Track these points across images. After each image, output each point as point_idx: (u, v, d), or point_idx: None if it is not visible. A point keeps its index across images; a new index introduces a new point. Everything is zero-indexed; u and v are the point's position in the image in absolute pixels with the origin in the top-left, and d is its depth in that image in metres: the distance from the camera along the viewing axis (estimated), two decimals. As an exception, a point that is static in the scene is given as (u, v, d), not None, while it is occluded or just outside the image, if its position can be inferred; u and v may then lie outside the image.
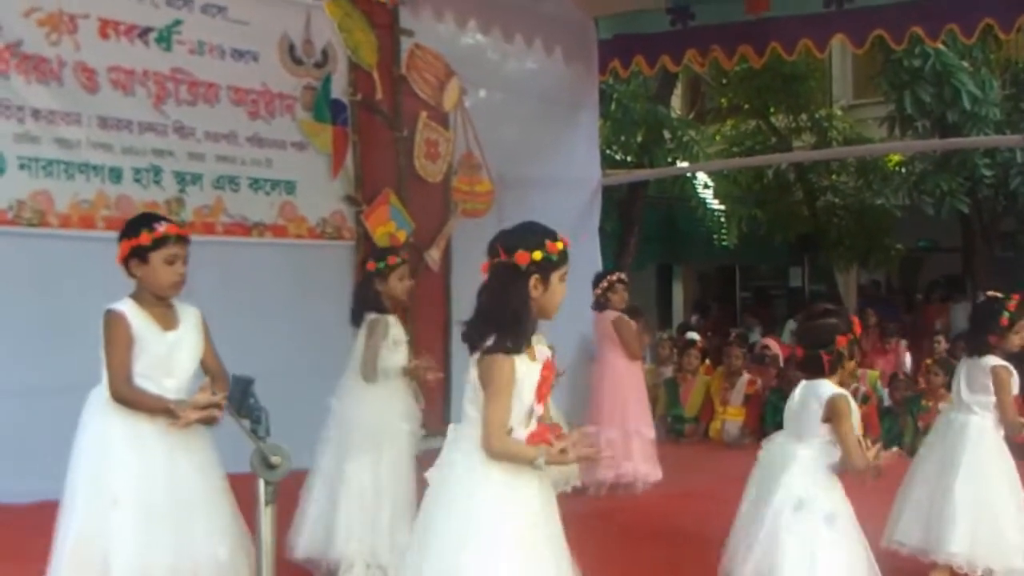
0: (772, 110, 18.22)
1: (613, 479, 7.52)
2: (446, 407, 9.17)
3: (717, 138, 19.59)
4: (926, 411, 9.61)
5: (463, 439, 3.41)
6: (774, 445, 4.72)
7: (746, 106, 18.57)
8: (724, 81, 17.97)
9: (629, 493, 7.55)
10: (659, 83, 15.38)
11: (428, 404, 7.14)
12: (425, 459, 5.45)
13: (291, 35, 8.31)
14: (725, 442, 10.02)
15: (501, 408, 3.29)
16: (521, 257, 3.48)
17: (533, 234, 3.55)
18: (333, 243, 8.46)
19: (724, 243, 19.00)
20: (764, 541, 4.32)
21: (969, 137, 14.42)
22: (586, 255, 11.22)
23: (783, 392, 9.63)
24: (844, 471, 4.31)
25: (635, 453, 7.65)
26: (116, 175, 7.25)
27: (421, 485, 3.72)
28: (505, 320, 3.37)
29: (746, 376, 10.32)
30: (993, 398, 5.40)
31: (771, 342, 11.90)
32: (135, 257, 4.14)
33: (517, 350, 3.34)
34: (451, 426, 3.51)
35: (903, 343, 13.73)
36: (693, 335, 12.80)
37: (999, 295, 5.60)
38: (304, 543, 5.31)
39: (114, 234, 6.99)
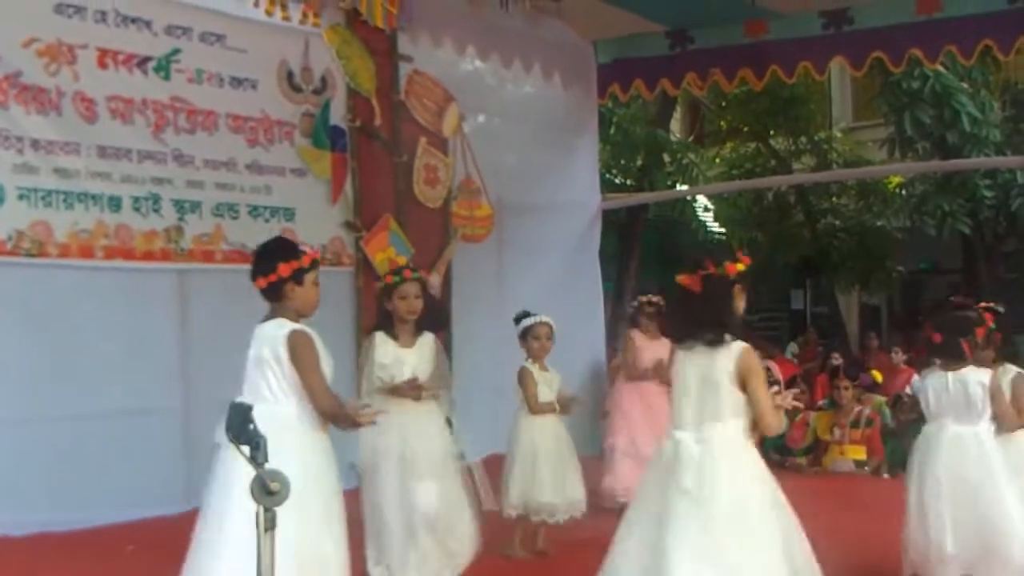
0: (772, 133, 18.25)
1: None
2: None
3: (717, 161, 19.62)
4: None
5: (726, 439, 4.16)
6: (943, 432, 5.30)
7: (745, 129, 18.60)
8: (723, 104, 18.01)
9: None
10: (658, 107, 15.41)
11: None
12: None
13: (289, 62, 8.32)
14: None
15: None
16: (731, 269, 4.34)
17: (732, 252, 4.43)
18: (333, 269, 8.42)
19: (725, 266, 18.95)
20: (991, 514, 5.04)
21: (969, 158, 14.43)
22: (586, 279, 11.22)
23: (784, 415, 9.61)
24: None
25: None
26: (115, 204, 7.24)
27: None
28: (733, 321, 4.27)
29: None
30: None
31: (771, 364, 11.86)
32: (292, 280, 4.42)
33: None
34: (691, 430, 4.19)
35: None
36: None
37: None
38: None
39: (113, 263, 7.16)
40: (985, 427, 5.22)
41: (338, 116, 8.59)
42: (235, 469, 3.76)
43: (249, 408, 3.24)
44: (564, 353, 7.26)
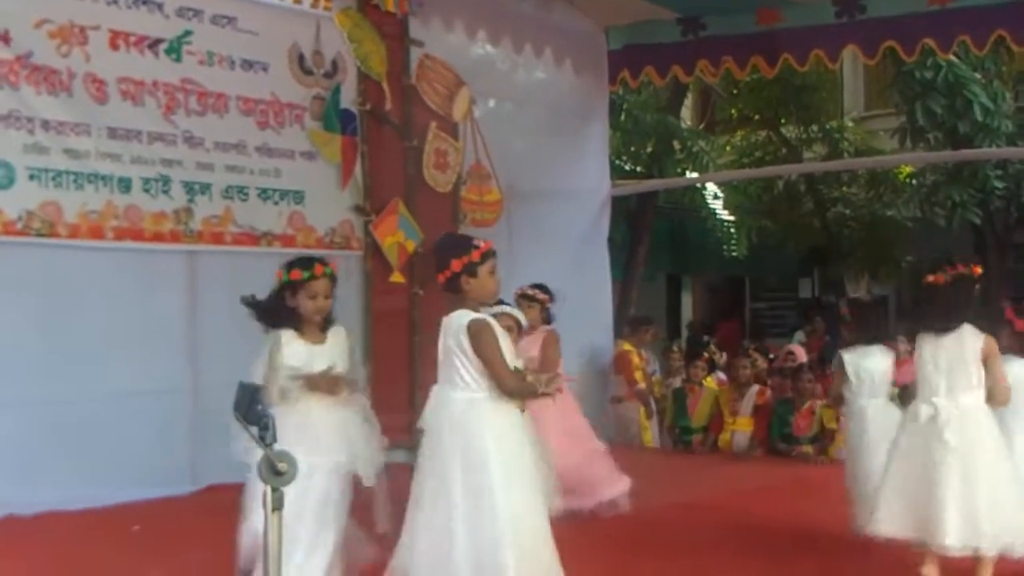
0: (783, 121, 18.19)
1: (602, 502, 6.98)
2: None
3: (727, 149, 19.56)
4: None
5: (976, 406, 5.29)
6: None
7: (756, 117, 18.54)
8: (735, 92, 17.95)
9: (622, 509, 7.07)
10: (669, 94, 15.38)
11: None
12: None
13: (301, 45, 8.32)
14: (734, 453, 9.98)
15: None
16: (976, 270, 5.47)
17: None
18: (342, 253, 8.44)
19: (734, 254, 18.96)
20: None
21: (981, 149, 14.38)
22: (596, 265, 11.23)
23: (791, 403, 9.62)
24: None
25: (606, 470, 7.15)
26: (125, 185, 7.26)
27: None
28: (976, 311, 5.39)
29: (756, 386, 10.29)
30: None
31: (796, 349, 11.85)
32: (466, 273, 4.66)
33: None
34: (945, 398, 5.33)
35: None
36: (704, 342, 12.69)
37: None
38: None
39: (123, 244, 7.16)
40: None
41: (349, 100, 8.60)
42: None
43: (258, 388, 3.26)
44: (571, 340, 7.26)
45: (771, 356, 11.94)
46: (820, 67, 12.53)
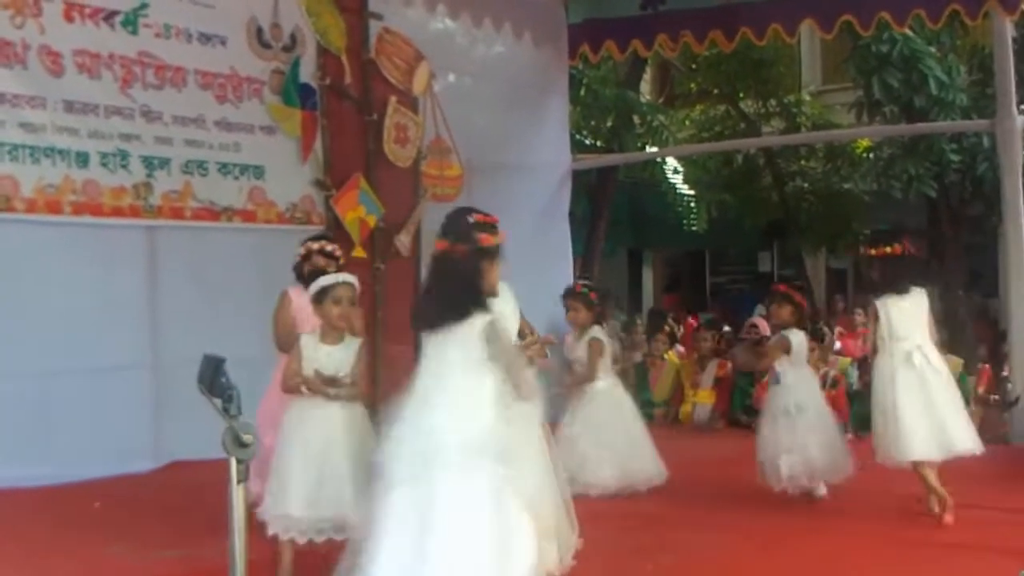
0: (741, 95, 18.26)
1: None
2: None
3: (686, 123, 19.63)
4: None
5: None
6: None
7: (715, 91, 18.59)
8: (693, 66, 17.98)
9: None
10: (628, 68, 15.38)
11: (398, 387, 7.10)
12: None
13: (259, 19, 8.26)
14: (695, 425, 10.06)
15: None
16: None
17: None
18: (302, 228, 8.39)
19: (694, 228, 19.06)
20: None
21: (936, 122, 14.51)
22: (556, 240, 11.24)
23: (752, 376, 9.70)
24: None
25: None
26: (83, 159, 7.20)
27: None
28: None
29: (716, 360, 10.37)
30: None
31: (759, 322, 11.91)
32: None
33: None
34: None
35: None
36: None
37: None
38: None
39: (81, 219, 7.10)
40: None
41: (308, 74, 8.55)
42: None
43: (222, 360, 3.26)
44: (532, 315, 7.25)
45: (725, 330, 11.98)
46: (778, 41, 12.58)
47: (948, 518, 5.96)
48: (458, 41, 10.20)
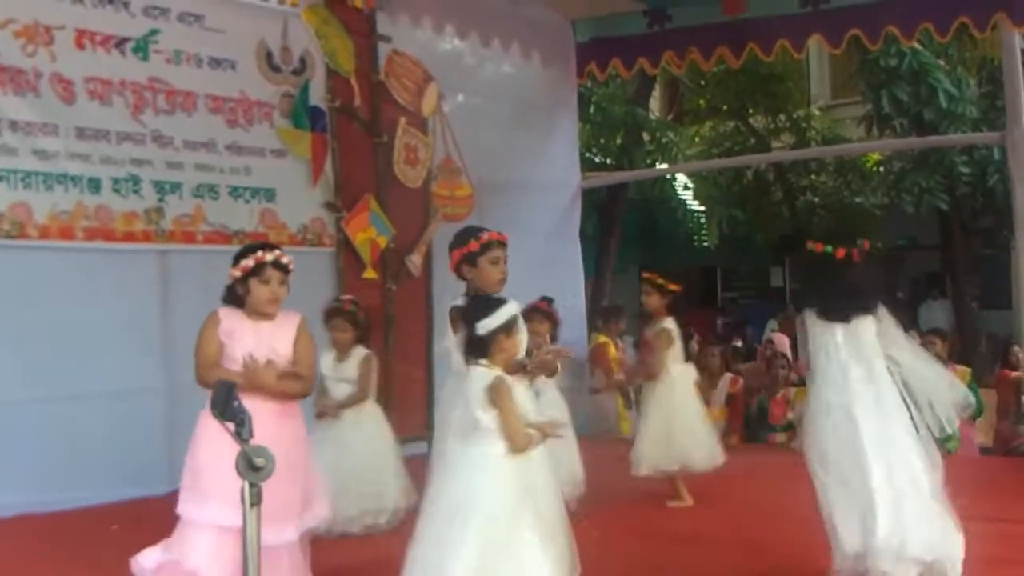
0: (751, 111, 18.29)
1: None
2: (430, 411, 9.18)
3: (696, 139, 19.66)
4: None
5: None
6: None
7: (724, 107, 18.62)
8: (702, 83, 18.02)
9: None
10: (637, 85, 15.43)
11: (410, 409, 7.13)
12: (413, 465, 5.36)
13: (268, 43, 8.31)
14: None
15: None
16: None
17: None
18: (314, 250, 8.46)
19: (705, 244, 19.06)
20: None
21: (946, 135, 14.50)
22: (567, 259, 11.25)
23: (765, 392, 9.68)
24: None
25: None
26: (95, 185, 7.24)
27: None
28: None
29: (728, 375, 10.33)
30: None
31: (777, 337, 11.84)
32: (465, 262, 4.93)
33: None
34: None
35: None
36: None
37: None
38: None
39: (94, 244, 7.14)
40: None
41: (317, 97, 8.59)
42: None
43: (233, 385, 3.28)
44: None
45: (737, 344, 11.95)
46: (786, 57, 12.60)
47: None
48: (467, 61, 10.24)
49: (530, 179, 10.57)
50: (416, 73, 9.35)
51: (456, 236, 5.14)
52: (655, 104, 19.17)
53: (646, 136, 15.79)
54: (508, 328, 4.14)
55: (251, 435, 3.18)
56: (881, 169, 17.55)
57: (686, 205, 19.31)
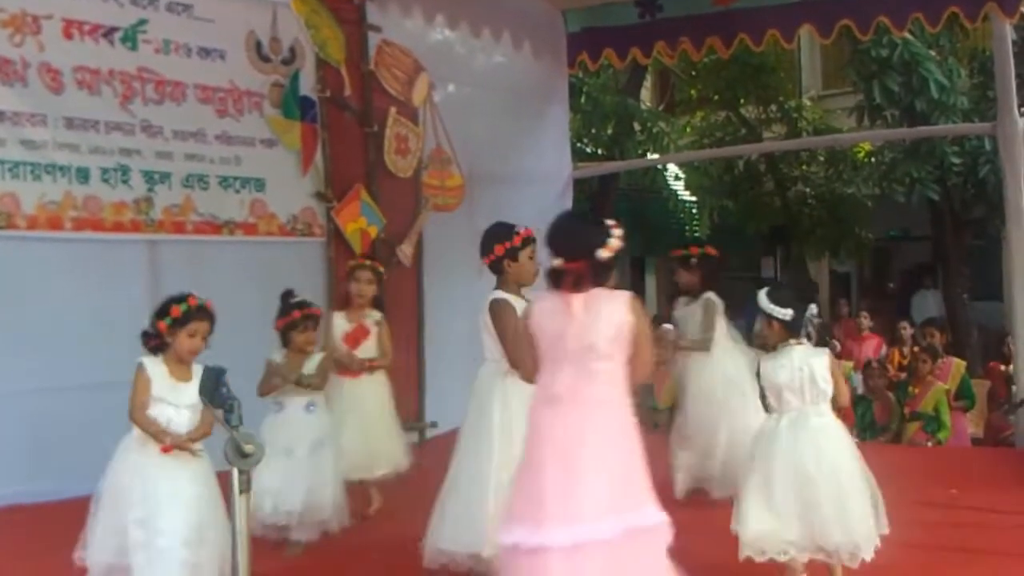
0: (742, 101, 18.30)
1: None
2: (421, 401, 9.20)
3: (687, 130, 19.67)
4: (911, 397, 9.68)
5: None
6: None
7: (716, 97, 18.64)
8: (693, 73, 18.03)
9: None
10: (628, 75, 15.43)
11: (401, 398, 7.13)
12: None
13: (258, 32, 8.28)
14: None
15: None
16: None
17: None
18: (304, 240, 8.44)
19: (696, 234, 19.07)
20: None
21: (937, 125, 14.51)
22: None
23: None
24: None
25: None
26: (83, 175, 7.21)
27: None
28: None
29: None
30: None
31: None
32: (507, 257, 5.13)
33: None
34: None
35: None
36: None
37: None
38: None
39: (82, 235, 7.11)
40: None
41: (307, 86, 8.56)
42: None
43: (223, 371, 3.27)
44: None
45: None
46: (776, 47, 12.59)
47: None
48: (457, 51, 10.21)
49: (521, 169, 10.55)
50: (406, 63, 9.33)
51: (492, 232, 5.29)
52: (646, 94, 19.17)
53: (637, 126, 15.78)
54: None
55: (240, 421, 3.19)
56: (872, 159, 17.58)
57: (677, 195, 19.31)
